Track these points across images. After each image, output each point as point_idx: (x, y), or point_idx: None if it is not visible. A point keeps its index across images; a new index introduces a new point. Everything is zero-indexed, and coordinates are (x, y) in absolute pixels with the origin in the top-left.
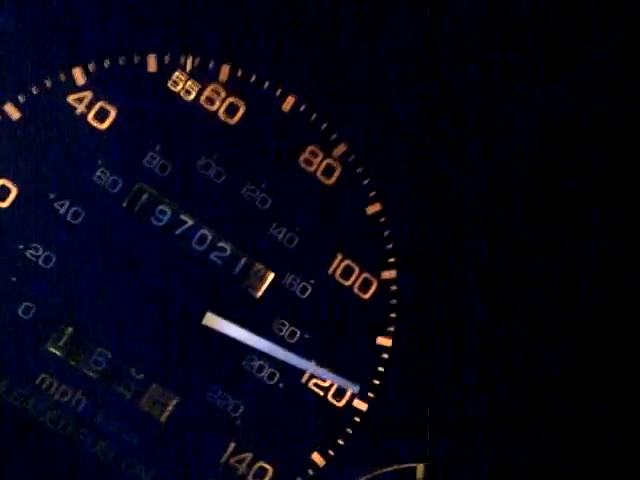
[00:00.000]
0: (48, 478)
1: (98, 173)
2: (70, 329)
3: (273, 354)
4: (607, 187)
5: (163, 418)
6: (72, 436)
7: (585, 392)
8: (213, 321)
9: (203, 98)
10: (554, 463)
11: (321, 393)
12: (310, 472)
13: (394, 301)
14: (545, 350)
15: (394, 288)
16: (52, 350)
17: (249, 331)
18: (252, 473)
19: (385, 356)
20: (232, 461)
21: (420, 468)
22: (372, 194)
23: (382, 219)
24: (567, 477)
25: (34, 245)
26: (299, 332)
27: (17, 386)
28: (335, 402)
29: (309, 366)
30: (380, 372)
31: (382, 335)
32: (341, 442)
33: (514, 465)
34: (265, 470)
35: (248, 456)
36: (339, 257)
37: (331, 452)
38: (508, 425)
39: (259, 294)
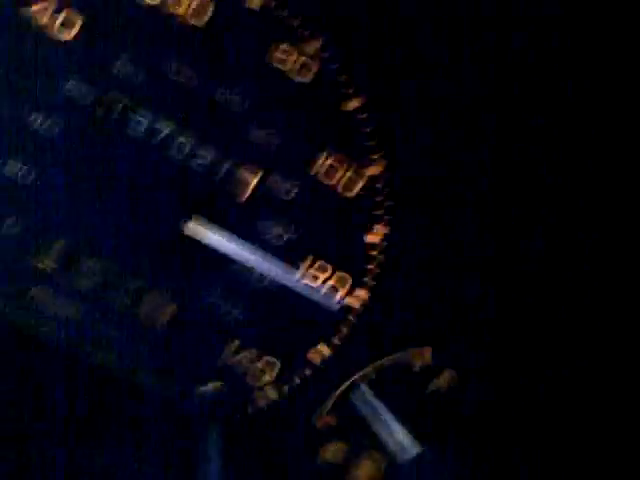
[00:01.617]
0: (49, 394)
1: (68, 86)
2: (59, 243)
3: (257, 265)
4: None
5: (163, 324)
6: (70, 349)
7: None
8: (195, 230)
9: (170, 0)
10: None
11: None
12: (317, 363)
13: (381, 198)
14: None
15: (380, 185)
16: (43, 265)
17: (231, 239)
18: (259, 368)
19: (374, 253)
20: (237, 358)
21: (427, 352)
22: (350, 90)
23: (363, 115)
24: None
25: (10, 161)
26: (286, 234)
27: (9, 303)
28: (335, 293)
29: (293, 279)
30: (370, 269)
31: (370, 233)
32: (345, 332)
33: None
34: (272, 364)
35: (253, 352)
36: (322, 156)
37: (336, 342)
38: (502, 317)
39: (244, 198)
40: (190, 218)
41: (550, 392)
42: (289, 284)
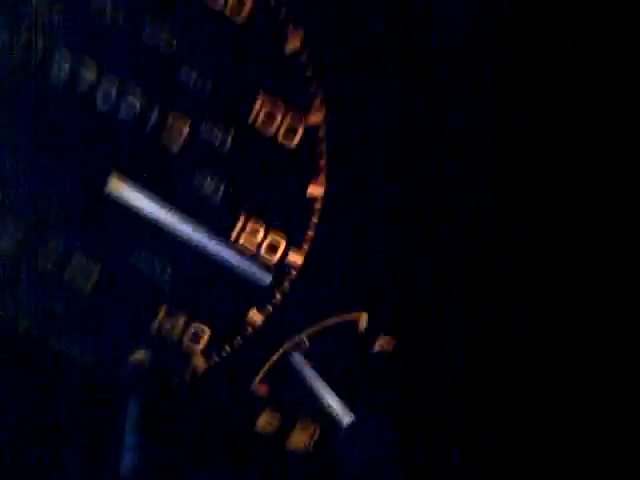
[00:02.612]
0: None
1: None
2: None
3: (182, 230)
4: None
5: (88, 288)
6: None
7: None
8: (117, 189)
9: None
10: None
11: (253, 249)
12: (249, 330)
13: (323, 147)
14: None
15: (322, 133)
16: None
17: (155, 200)
18: (188, 336)
19: (317, 206)
20: (165, 325)
21: (363, 317)
22: (290, 28)
23: (303, 56)
24: None
25: None
26: (223, 186)
27: None
28: (269, 257)
29: (221, 247)
30: (313, 223)
31: (313, 184)
32: (278, 297)
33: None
34: (202, 331)
35: (181, 318)
36: (259, 102)
37: (269, 308)
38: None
39: (176, 149)
40: (112, 174)
41: (486, 356)
42: (217, 252)
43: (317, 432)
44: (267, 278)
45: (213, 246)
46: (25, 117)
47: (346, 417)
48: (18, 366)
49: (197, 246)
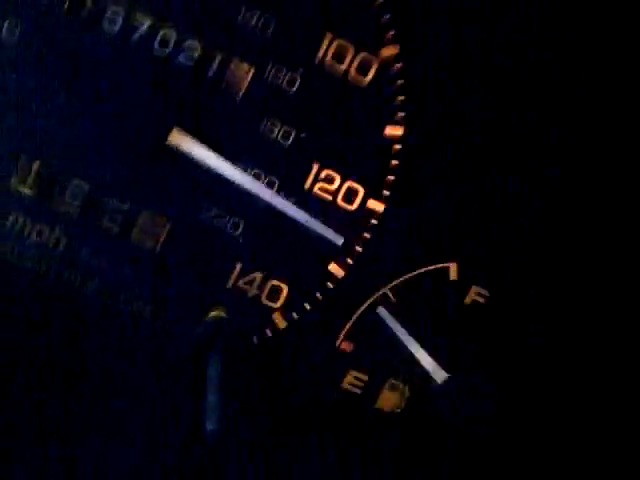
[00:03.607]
0: (39, 326)
1: None
2: (36, 163)
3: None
4: None
5: (157, 247)
6: (58, 279)
7: None
8: (180, 139)
9: None
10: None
11: (329, 198)
12: (329, 285)
13: (400, 82)
14: None
15: (398, 66)
16: (21, 189)
17: (219, 155)
18: (265, 294)
19: (397, 147)
20: (241, 283)
21: (453, 268)
22: None
23: None
24: None
25: None
26: (294, 131)
27: None
28: (347, 206)
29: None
30: (393, 166)
31: (391, 124)
32: (359, 249)
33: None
34: (279, 288)
35: (258, 276)
36: (328, 37)
37: (349, 261)
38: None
39: (240, 94)
40: (175, 126)
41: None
42: (286, 211)
43: (407, 391)
44: (338, 240)
45: (281, 204)
46: (80, 71)
47: (439, 374)
48: (87, 330)
49: (267, 204)
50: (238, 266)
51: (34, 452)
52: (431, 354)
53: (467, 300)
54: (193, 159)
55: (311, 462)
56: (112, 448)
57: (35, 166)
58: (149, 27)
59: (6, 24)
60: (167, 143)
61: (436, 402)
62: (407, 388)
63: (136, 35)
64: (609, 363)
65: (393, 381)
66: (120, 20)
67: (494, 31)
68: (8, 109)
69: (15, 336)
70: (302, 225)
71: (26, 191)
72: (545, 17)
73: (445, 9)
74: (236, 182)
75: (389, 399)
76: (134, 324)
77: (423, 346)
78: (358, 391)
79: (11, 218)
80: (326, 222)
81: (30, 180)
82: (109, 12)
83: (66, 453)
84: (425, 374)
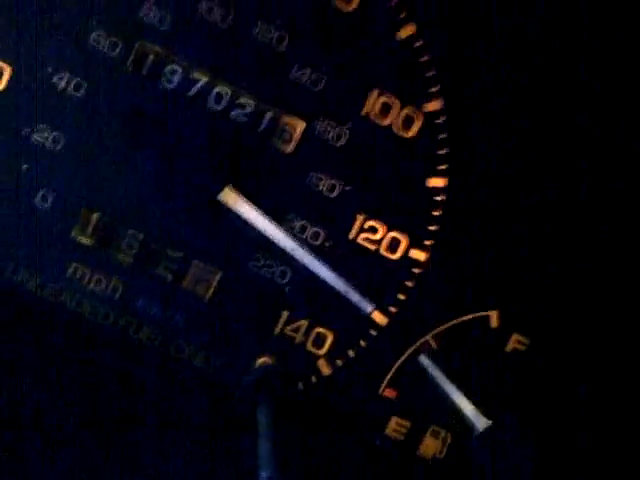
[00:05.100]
0: (93, 371)
1: (94, 36)
2: (95, 215)
3: (283, 246)
4: None
5: (208, 295)
6: (114, 325)
7: None
8: (230, 198)
9: None
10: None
11: (372, 247)
12: (372, 333)
13: (443, 135)
14: None
15: (441, 120)
16: (80, 239)
17: (264, 215)
18: (310, 340)
19: (439, 198)
20: (287, 331)
21: (494, 316)
22: (403, 15)
23: (418, 43)
24: None
25: (39, 127)
26: (339, 184)
27: (49, 280)
28: (390, 255)
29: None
30: (435, 217)
31: (434, 175)
32: (402, 297)
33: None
34: (324, 336)
35: (304, 324)
36: (374, 93)
37: (392, 309)
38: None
39: (290, 148)
40: (230, 180)
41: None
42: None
43: (449, 438)
44: (368, 308)
45: (318, 269)
46: (139, 125)
47: (480, 421)
48: (142, 376)
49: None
50: (285, 314)
51: None
52: (472, 401)
53: (508, 348)
54: (240, 217)
55: None
56: None
57: (94, 217)
58: (205, 83)
59: (74, 80)
60: (218, 199)
61: (476, 449)
62: (449, 435)
63: (193, 90)
64: None
65: (435, 428)
66: (178, 76)
67: (537, 86)
68: (72, 162)
69: (72, 381)
70: (346, 273)
71: (85, 241)
72: (586, 69)
73: (489, 65)
74: (280, 242)
75: (431, 445)
76: (186, 370)
77: (464, 393)
78: (401, 437)
79: (71, 267)
80: (361, 285)
81: (89, 230)
82: (168, 69)
83: None
84: (467, 421)
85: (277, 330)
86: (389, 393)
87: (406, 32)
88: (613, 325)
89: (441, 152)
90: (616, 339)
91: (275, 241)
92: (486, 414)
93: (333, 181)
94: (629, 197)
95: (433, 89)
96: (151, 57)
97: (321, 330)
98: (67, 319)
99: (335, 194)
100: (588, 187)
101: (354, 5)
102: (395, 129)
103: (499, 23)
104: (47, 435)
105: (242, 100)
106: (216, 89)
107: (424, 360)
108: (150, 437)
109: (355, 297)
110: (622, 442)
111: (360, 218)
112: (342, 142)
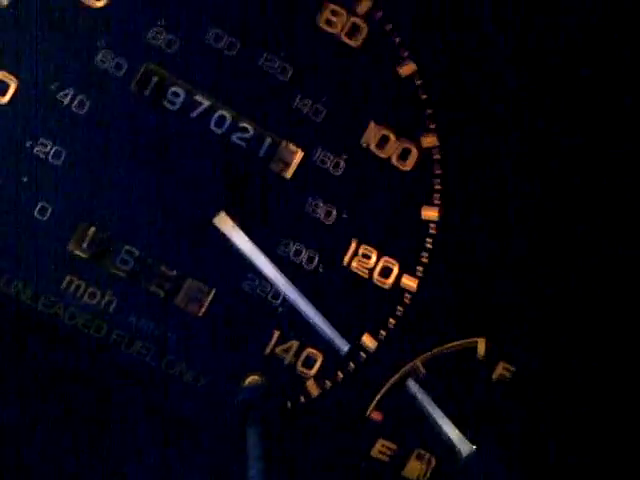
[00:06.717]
0: (85, 383)
1: (100, 56)
2: (92, 229)
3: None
4: None
5: (201, 313)
6: (106, 339)
7: None
8: (224, 223)
9: None
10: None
11: (365, 273)
12: (362, 355)
13: (438, 170)
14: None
15: (437, 156)
16: (76, 253)
17: (255, 245)
18: (300, 361)
19: (432, 230)
20: (278, 351)
21: (481, 344)
22: (404, 53)
23: (417, 81)
24: None
25: (41, 141)
26: (335, 211)
27: (43, 292)
28: (382, 281)
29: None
30: (427, 247)
31: (427, 206)
32: (392, 322)
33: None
34: (314, 357)
35: (294, 344)
36: (373, 126)
37: (382, 333)
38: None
39: (289, 175)
40: (227, 204)
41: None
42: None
43: (434, 461)
44: (344, 347)
45: (300, 304)
46: (141, 143)
47: (465, 447)
48: (129, 391)
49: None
50: (276, 334)
51: None
52: (458, 426)
53: (494, 375)
54: (232, 242)
55: None
56: None
57: (91, 231)
58: (208, 106)
59: (79, 97)
60: (213, 223)
61: (461, 474)
62: (433, 458)
63: (195, 113)
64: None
65: (420, 451)
66: (181, 99)
67: (531, 126)
68: (71, 176)
69: (58, 392)
70: (339, 297)
71: (81, 254)
72: (583, 103)
73: (483, 105)
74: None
75: (415, 468)
76: (175, 386)
77: (450, 418)
78: (386, 459)
79: (66, 280)
80: (338, 323)
81: (85, 244)
82: (171, 91)
83: None
84: (451, 446)
85: (268, 350)
86: (376, 416)
87: (407, 69)
88: (600, 354)
89: (435, 185)
90: (603, 367)
91: (262, 271)
92: (471, 440)
93: (329, 207)
94: (618, 235)
95: (430, 125)
96: (155, 79)
97: (312, 351)
98: (60, 331)
99: (331, 220)
100: (576, 224)
101: (359, 42)
102: (391, 161)
103: (496, 69)
104: (35, 447)
105: (243, 125)
106: (218, 113)
107: (412, 384)
108: (137, 453)
109: (333, 335)
110: (609, 469)
111: (354, 245)
112: (339, 171)
